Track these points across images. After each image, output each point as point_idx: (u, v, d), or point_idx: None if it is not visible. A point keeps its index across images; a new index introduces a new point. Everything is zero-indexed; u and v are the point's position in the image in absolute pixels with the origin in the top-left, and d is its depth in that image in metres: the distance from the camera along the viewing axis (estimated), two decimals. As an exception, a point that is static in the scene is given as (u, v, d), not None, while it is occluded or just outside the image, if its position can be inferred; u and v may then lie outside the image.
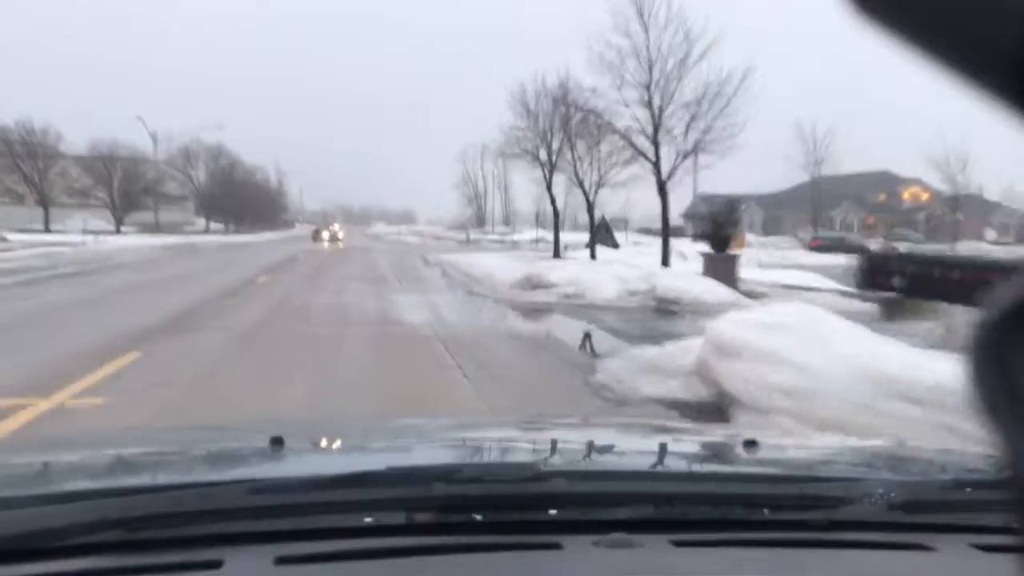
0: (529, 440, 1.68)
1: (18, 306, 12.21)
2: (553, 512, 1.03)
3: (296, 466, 1.34)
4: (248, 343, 8.88)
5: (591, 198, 27.06)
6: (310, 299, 14.43)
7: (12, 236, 36.69)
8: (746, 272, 21.66)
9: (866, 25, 0.29)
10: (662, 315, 14.12)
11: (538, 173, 34.19)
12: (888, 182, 75.59)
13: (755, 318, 7.89)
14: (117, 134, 63.73)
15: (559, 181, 31.01)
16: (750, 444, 1.39)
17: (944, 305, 13.75)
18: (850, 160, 58.83)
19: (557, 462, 1.40)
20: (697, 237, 19.90)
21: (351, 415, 5.43)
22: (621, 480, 1.21)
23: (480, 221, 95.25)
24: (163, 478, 1.26)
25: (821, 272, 24.77)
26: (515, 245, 54.32)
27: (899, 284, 16.80)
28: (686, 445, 1.71)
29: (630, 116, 20.38)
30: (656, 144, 19.96)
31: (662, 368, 7.84)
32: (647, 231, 64.59)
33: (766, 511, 1.07)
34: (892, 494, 1.09)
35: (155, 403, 5.80)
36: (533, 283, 16.70)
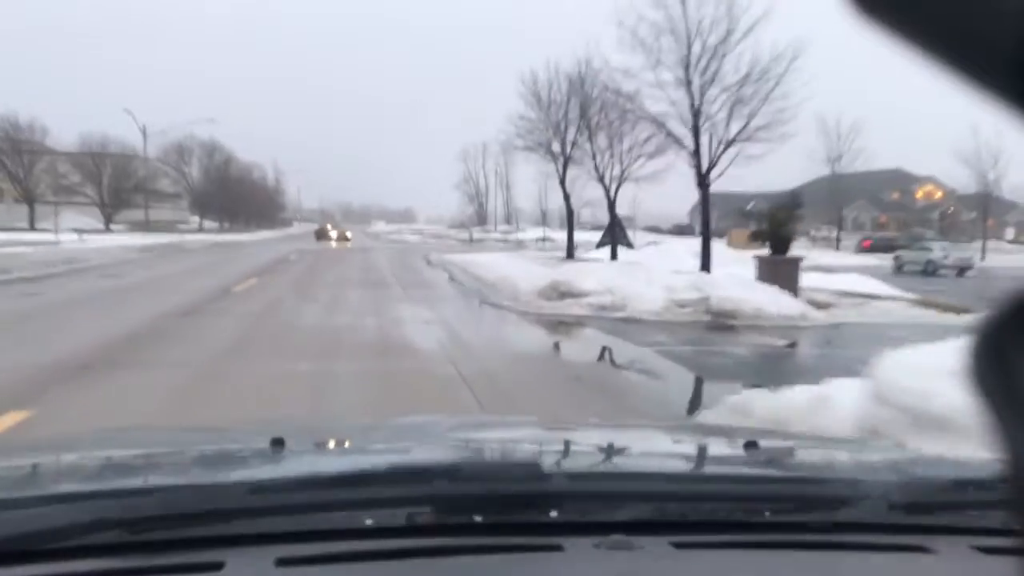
0: (530, 441, 1.63)
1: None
2: (554, 514, 1.00)
3: (297, 467, 1.31)
4: (186, 395, 6.04)
5: (612, 194, 24.39)
6: (294, 316, 11.75)
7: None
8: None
9: (866, 24, 0.29)
10: (725, 333, 11.49)
11: (548, 168, 31.64)
12: (901, 180, 73.34)
13: (941, 360, 5.20)
14: (109, 131, 60.97)
15: (567, 177, 28.48)
16: (751, 446, 1.35)
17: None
18: (863, 158, 56.03)
19: (558, 463, 1.35)
20: (754, 237, 17.24)
21: (352, 416, 4.99)
22: (622, 481, 1.18)
23: (481, 220, 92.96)
24: (163, 479, 1.24)
25: (864, 273, 22.13)
26: (520, 244, 52.06)
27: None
28: (687, 447, 1.68)
29: (665, 101, 17.72)
30: (696, 131, 17.30)
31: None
32: (655, 229, 62.17)
33: (767, 513, 1.05)
34: (892, 496, 1.08)
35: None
36: (560, 291, 14.03)
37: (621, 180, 24.24)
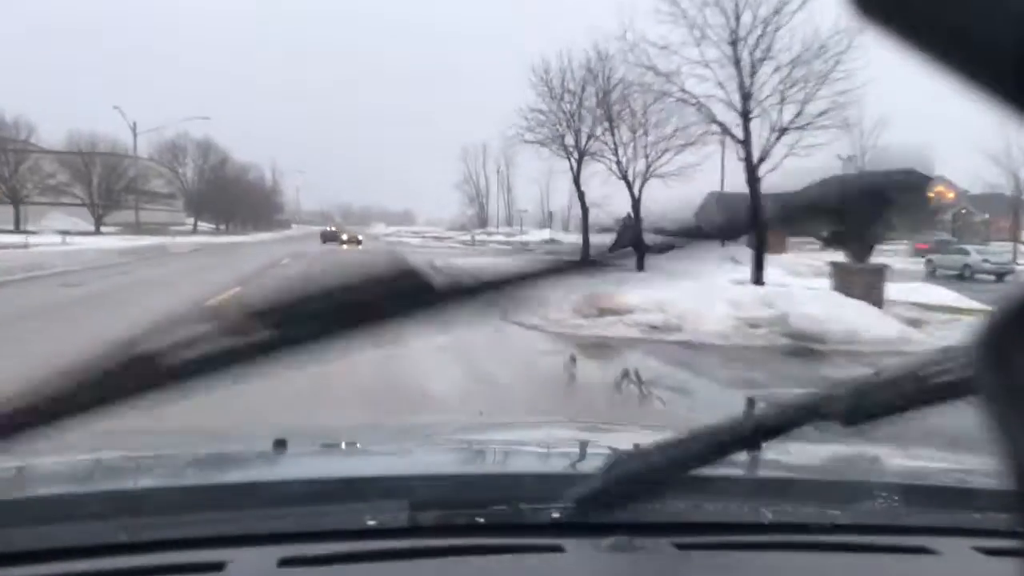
0: (532, 443, 1.63)
1: None
2: (555, 514, 0.99)
3: (299, 468, 1.32)
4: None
5: (637, 191, 21.79)
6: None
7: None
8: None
9: (868, 24, 0.29)
10: (821, 363, 8.93)
11: (555, 166, 29.22)
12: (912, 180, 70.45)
13: None
14: (100, 129, 58.29)
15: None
16: (753, 447, 1.22)
17: None
18: (887, 156, 53.55)
19: (558, 463, 1.39)
20: (827, 242, 14.70)
21: (353, 419, 4.67)
22: (623, 482, 1.07)
23: (482, 221, 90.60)
24: (165, 480, 1.25)
25: (915, 279, 19.68)
26: (525, 247, 49.71)
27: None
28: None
29: (710, 82, 15.17)
30: (746, 116, 14.73)
31: None
32: (660, 232, 59.16)
33: (768, 513, 1.03)
34: (895, 496, 1.08)
35: None
36: (599, 305, 11.44)
37: (646, 176, 21.67)
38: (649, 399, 7.29)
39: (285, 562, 0.89)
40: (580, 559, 0.92)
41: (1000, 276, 29.37)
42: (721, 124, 15.34)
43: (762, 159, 15.05)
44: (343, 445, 1.58)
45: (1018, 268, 32.47)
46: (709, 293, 11.85)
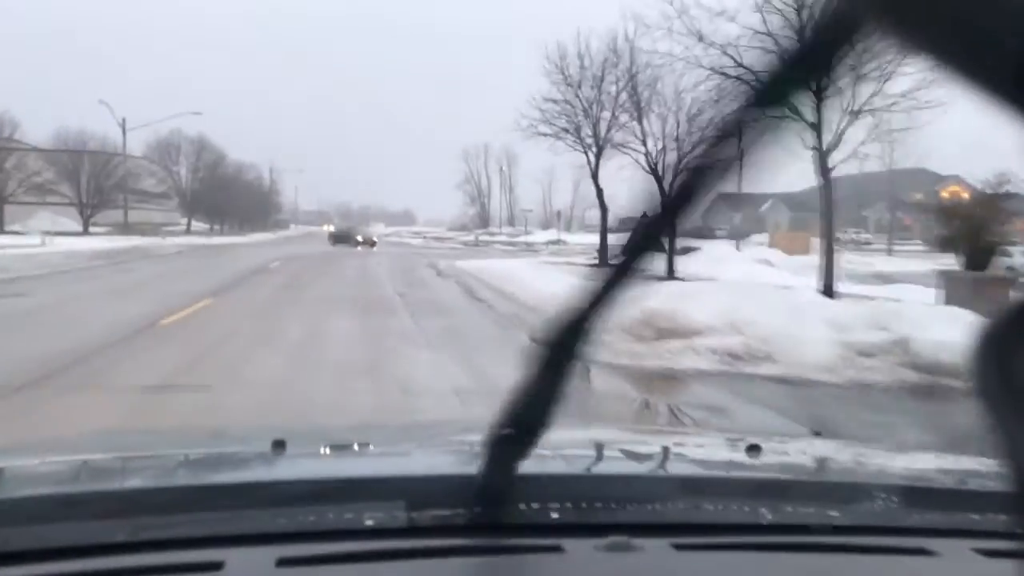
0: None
1: None
2: (554, 515, 0.98)
3: (298, 468, 1.31)
4: None
5: (668, 188, 19.23)
6: (230, 377, 6.62)
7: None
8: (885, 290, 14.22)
9: (870, 24, 0.29)
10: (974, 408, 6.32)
11: (559, 164, 26.74)
12: (924, 180, 68.44)
13: None
14: (90, 126, 55.58)
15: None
16: (752, 448, 1.32)
17: None
18: (915, 155, 50.90)
19: (559, 464, 1.34)
20: (942, 244, 12.23)
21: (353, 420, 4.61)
22: (622, 483, 1.17)
23: (484, 222, 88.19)
24: (164, 480, 1.24)
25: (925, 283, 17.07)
26: (530, 248, 47.31)
27: None
28: (688, 448, 1.64)
29: (763, 56, 12.57)
30: (819, 93, 12.17)
31: None
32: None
33: (768, 515, 1.02)
34: (894, 498, 1.07)
35: None
36: (659, 326, 8.90)
37: (678, 170, 19.14)
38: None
39: (283, 562, 0.88)
40: (579, 559, 0.91)
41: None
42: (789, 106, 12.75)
43: (835, 144, 12.54)
44: (342, 445, 1.53)
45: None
46: (789, 308, 9.31)
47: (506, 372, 5.43)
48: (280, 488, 1.06)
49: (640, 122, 19.26)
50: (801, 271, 24.05)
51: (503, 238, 60.66)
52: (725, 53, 12.95)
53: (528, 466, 1.09)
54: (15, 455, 1.35)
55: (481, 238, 58.97)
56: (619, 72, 21.06)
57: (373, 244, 46.01)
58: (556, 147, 24.69)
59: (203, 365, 7.31)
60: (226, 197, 64.51)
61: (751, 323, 8.72)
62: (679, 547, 0.94)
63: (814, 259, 31.24)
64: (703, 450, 1.60)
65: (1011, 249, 30.62)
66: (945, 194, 67.48)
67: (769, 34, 12.36)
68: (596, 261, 25.25)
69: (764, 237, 52.48)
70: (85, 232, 47.96)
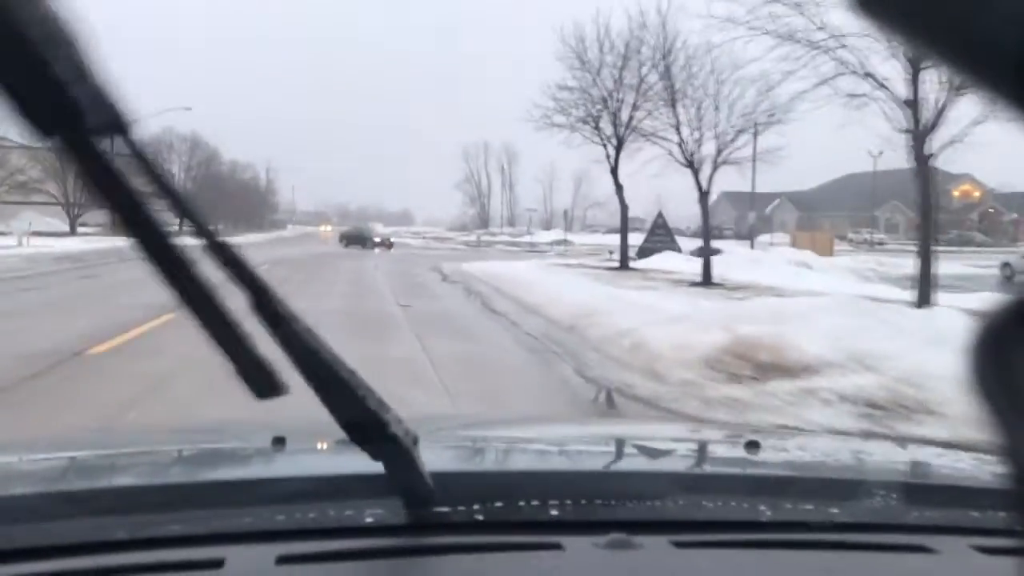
0: (530, 439, 1.59)
1: None
2: (554, 512, 0.97)
3: (298, 465, 1.29)
4: None
5: (706, 182, 16.83)
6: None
7: None
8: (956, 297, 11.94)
9: (871, 24, 0.29)
10: None
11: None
12: (936, 179, 66.29)
13: None
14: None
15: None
16: (752, 445, 1.30)
17: None
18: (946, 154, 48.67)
19: (558, 461, 1.37)
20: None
21: None
22: (622, 480, 1.16)
23: (484, 222, 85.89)
24: (164, 477, 1.23)
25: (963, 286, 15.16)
26: (534, 248, 45.00)
27: None
28: (688, 445, 1.64)
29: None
30: (915, 65, 9.81)
31: None
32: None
33: (767, 512, 1.01)
34: (893, 495, 1.07)
35: None
36: (757, 359, 6.50)
37: (717, 162, 16.73)
38: None
39: (283, 559, 0.87)
40: (579, 557, 0.91)
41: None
42: (874, 78, 10.39)
43: (932, 126, 10.17)
44: (341, 442, 1.28)
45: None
46: (913, 331, 6.92)
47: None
48: (280, 485, 1.05)
49: (674, 108, 16.88)
50: (848, 274, 21.76)
51: (505, 238, 58.34)
52: (801, 10, 10.52)
53: (528, 463, 1.21)
54: (13, 452, 1.31)
55: (483, 238, 56.57)
56: (647, 54, 18.71)
57: (390, 246, 42.16)
58: (571, 140, 22.33)
59: (137, 404, 4.92)
60: (220, 196, 62.03)
61: (880, 355, 6.35)
62: (679, 544, 0.93)
63: (845, 260, 29.01)
64: (702, 446, 1.56)
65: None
66: (957, 193, 65.27)
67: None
68: (617, 263, 22.90)
69: (771, 237, 50.37)
70: (72, 233, 45.50)
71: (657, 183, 27.25)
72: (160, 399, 5.79)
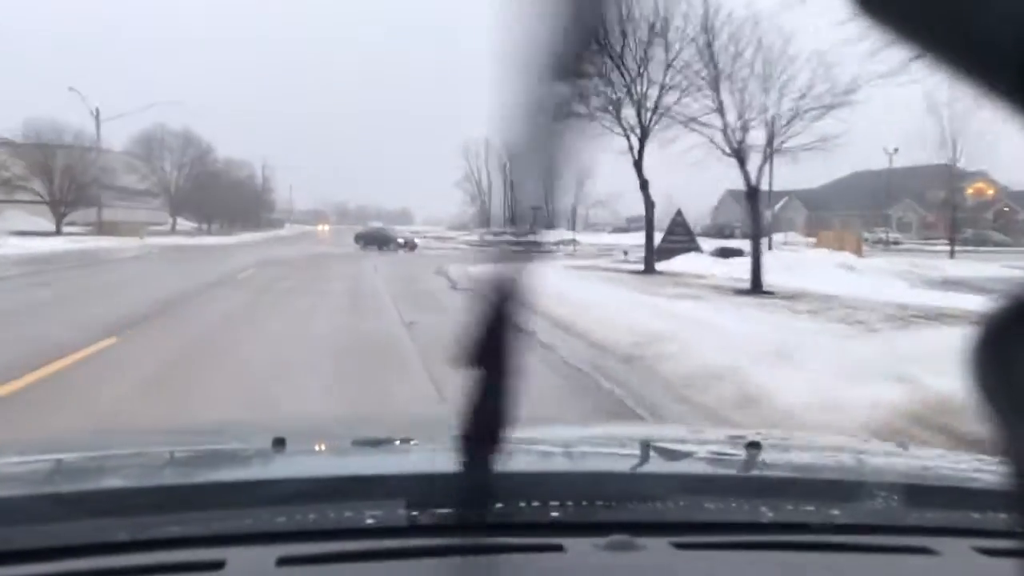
0: (532, 440, 1.48)
1: None
2: (555, 513, 0.97)
3: (298, 466, 1.28)
4: None
5: (755, 175, 14.47)
6: None
7: None
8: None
9: (871, 24, 0.28)
10: None
11: (605, 144, 22.13)
12: (947, 177, 64.44)
13: None
14: (63, 117, 50.48)
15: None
16: (753, 446, 1.29)
17: None
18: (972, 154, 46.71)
19: (559, 463, 1.35)
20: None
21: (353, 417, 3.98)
22: (623, 481, 1.14)
23: (484, 220, 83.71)
24: (164, 478, 1.23)
25: None
26: (539, 248, 42.43)
27: None
28: (689, 446, 1.61)
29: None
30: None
31: None
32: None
33: (768, 513, 1.01)
34: (895, 496, 1.06)
35: None
36: (956, 429, 4.14)
37: (770, 152, 14.40)
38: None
39: (284, 561, 0.86)
40: (580, 558, 0.90)
41: None
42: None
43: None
44: (342, 443, 1.52)
45: None
46: None
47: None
48: (280, 486, 1.04)
49: (717, 89, 14.55)
50: (894, 278, 19.52)
51: (508, 238, 56.06)
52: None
53: (529, 464, 1.16)
54: (13, 453, 1.29)
55: (486, 237, 54.45)
56: (680, 29, 16.40)
57: (414, 247, 38.75)
58: (590, 131, 19.95)
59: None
60: (214, 195, 59.64)
61: None
62: (680, 546, 0.92)
63: (879, 261, 26.75)
64: (704, 448, 1.55)
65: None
66: (970, 191, 63.04)
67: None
68: (638, 266, 20.59)
69: (785, 236, 48.20)
70: (57, 232, 43.16)
71: (664, 182, 25.01)
72: None
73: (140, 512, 0.92)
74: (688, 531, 0.95)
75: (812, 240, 36.86)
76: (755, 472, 1.26)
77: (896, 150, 53.21)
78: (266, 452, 1.20)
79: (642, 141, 18.91)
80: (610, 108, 18.82)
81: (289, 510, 0.94)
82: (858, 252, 29.91)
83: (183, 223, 61.61)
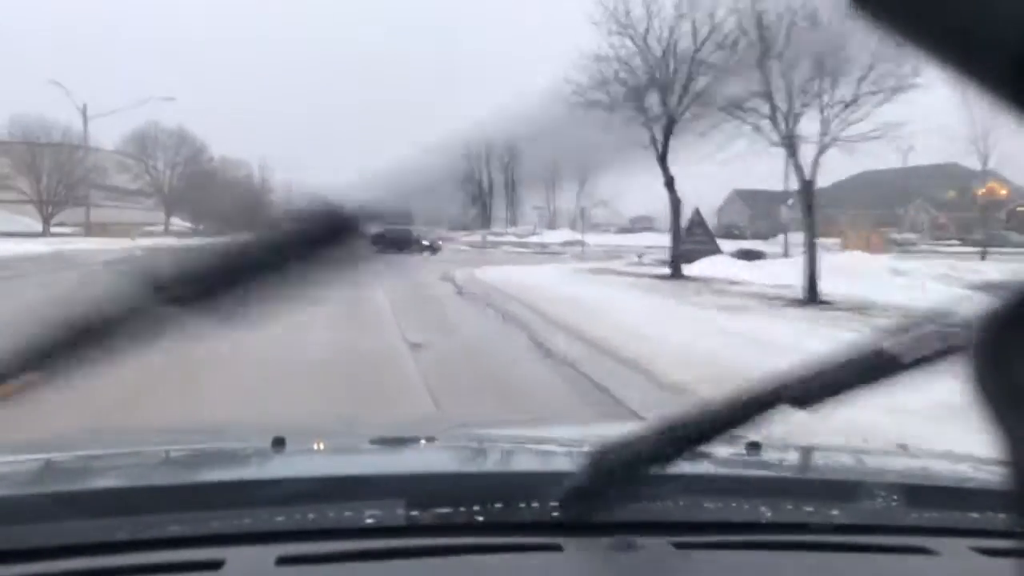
0: (531, 440, 1.58)
1: None
2: (554, 514, 0.96)
3: (298, 466, 1.28)
4: None
5: (809, 169, 12.55)
6: None
7: None
8: None
9: (871, 23, 0.29)
10: None
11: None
12: (958, 176, 62.78)
13: None
14: (51, 114, 48.46)
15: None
16: (753, 446, 1.26)
17: None
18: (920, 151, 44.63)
19: (559, 462, 1.32)
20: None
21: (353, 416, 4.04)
22: (623, 481, 1.08)
23: (485, 221, 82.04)
24: (164, 477, 1.22)
25: None
26: (546, 250, 40.96)
27: None
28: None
29: None
30: None
31: None
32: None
33: (768, 513, 1.00)
34: (894, 496, 1.05)
35: None
36: None
37: (825, 143, 12.49)
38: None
39: (283, 560, 0.86)
40: (579, 558, 0.90)
41: None
42: None
43: None
44: (341, 443, 1.50)
45: None
46: None
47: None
48: (280, 486, 1.03)
49: (763, 69, 12.64)
50: (940, 282, 17.71)
51: (511, 239, 54.20)
52: None
53: (528, 464, 1.17)
54: (12, 452, 1.28)
55: (488, 239, 52.51)
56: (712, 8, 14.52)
57: (437, 250, 35.73)
58: (609, 122, 17.99)
59: None
60: (209, 194, 57.72)
61: None
62: (679, 546, 0.92)
63: (917, 264, 24.96)
64: (703, 448, 1.40)
65: None
66: (982, 191, 61.37)
67: None
68: (664, 270, 18.72)
69: (800, 237, 46.31)
70: (44, 233, 41.27)
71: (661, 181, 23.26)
72: None
73: (139, 511, 0.92)
74: (687, 531, 0.95)
75: (835, 241, 35.04)
76: (754, 472, 1.24)
77: (910, 148, 51.46)
78: (265, 452, 1.19)
79: (666, 134, 17.03)
80: (631, 97, 16.99)
81: (288, 510, 0.93)
82: (877, 249, 28.19)
83: (178, 224, 59.69)
